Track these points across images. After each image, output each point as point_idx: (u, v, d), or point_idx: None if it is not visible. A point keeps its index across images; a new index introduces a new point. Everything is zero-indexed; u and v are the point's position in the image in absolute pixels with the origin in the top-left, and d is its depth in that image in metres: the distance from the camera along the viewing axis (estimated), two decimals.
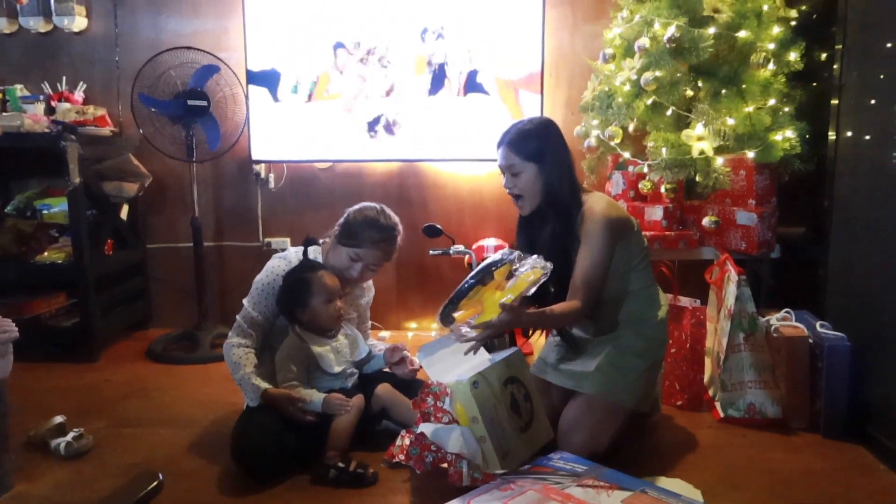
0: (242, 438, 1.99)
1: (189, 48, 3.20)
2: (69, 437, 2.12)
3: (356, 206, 2.27)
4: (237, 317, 2.21)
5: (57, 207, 3.30)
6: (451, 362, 1.99)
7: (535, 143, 2.03)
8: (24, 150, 3.22)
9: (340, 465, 1.91)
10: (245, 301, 2.21)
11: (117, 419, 2.43)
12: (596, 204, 2.01)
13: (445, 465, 1.78)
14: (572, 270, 1.99)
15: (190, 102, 3.11)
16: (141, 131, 3.20)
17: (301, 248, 2.27)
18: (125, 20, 3.50)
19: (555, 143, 2.06)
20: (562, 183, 2.03)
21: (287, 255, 2.27)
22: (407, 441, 1.85)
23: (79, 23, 3.45)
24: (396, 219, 2.27)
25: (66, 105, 3.33)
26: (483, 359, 1.99)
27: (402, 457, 1.84)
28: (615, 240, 2.00)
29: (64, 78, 3.49)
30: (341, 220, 2.26)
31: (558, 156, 2.04)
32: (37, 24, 3.45)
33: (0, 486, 1.89)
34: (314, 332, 2.13)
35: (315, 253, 2.28)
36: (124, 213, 3.47)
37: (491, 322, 1.79)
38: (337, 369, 2.12)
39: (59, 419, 2.20)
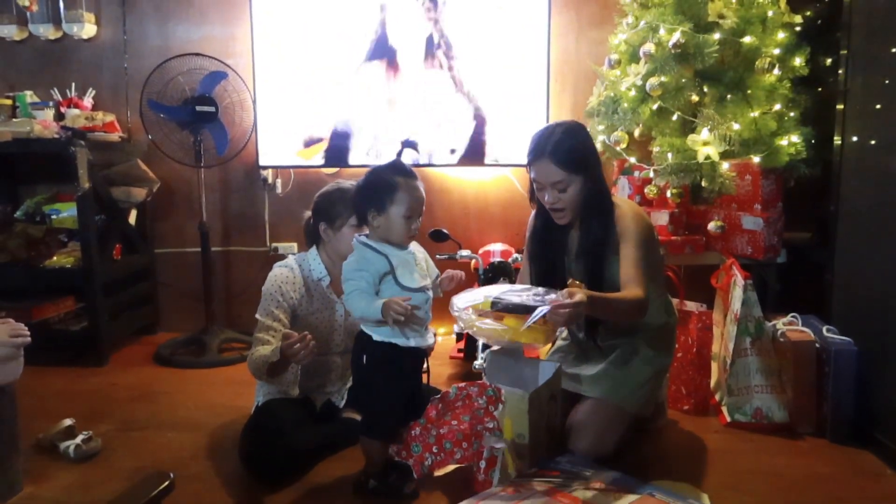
0: (251, 440, 2.01)
1: (197, 55, 3.23)
2: (78, 439, 2.14)
3: (316, 197, 2.23)
4: (255, 334, 2.12)
5: (66, 212, 3.33)
6: (509, 368, 2.02)
7: (580, 154, 1.94)
8: (33, 155, 3.27)
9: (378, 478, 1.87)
10: (258, 315, 2.14)
11: (125, 422, 2.44)
12: (627, 207, 2.02)
13: (475, 469, 1.79)
14: (605, 277, 1.98)
15: (198, 108, 3.14)
16: (149, 137, 3.23)
17: (302, 254, 2.25)
18: (134, 27, 3.53)
19: (591, 146, 2.01)
20: (601, 185, 1.99)
21: (288, 262, 2.23)
22: (413, 433, 1.84)
23: (88, 30, 3.48)
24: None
25: (76, 111, 3.36)
26: (533, 370, 2.01)
27: (403, 452, 1.84)
28: (648, 239, 2.00)
29: (73, 84, 3.52)
30: (310, 219, 2.24)
31: (596, 159, 2.00)
32: (46, 31, 3.49)
33: (10, 488, 1.91)
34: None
35: (314, 258, 2.23)
36: (132, 218, 3.49)
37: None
38: (419, 282, 1.83)
39: (68, 422, 2.22)
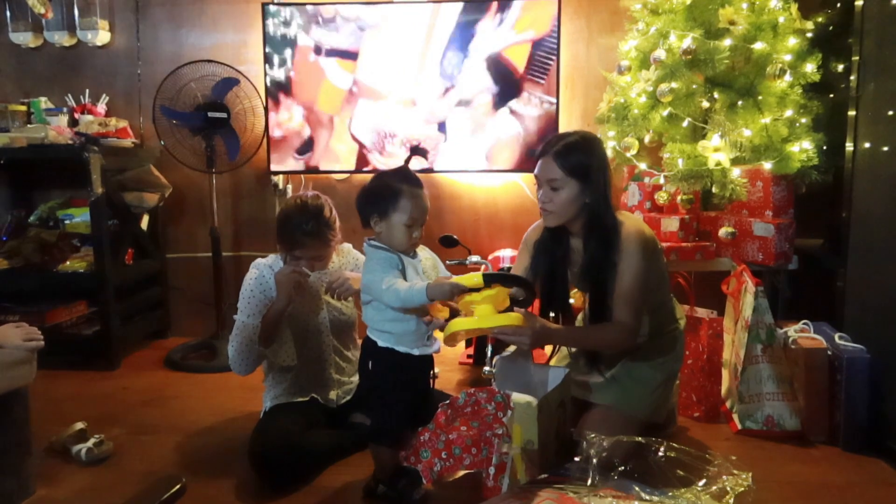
0: (260, 443, 2.01)
1: (209, 61, 3.25)
2: (90, 443, 2.15)
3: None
4: (233, 334, 2.16)
5: (79, 217, 3.36)
6: (518, 374, 2.01)
7: (582, 159, 1.92)
8: (47, 161, 3.31)
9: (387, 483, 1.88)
10: (236, 317, 2.18)
11: (136, 426, 2.46)
12: (631, 224, 1.98)
13: (484, 475, 1.77)
14: (607, 294, 1.96)
15: (210, 114, 3.16)
16: (162, 143, 3.26)
17: (277, 256, 2.24)
18: (147, 34, 3.57)
19: (600, 160, 1.97)
20: (604, 205, 1.95)
21: (258, 264, 2.23)
22: (422, 438, 1.84)
23: (102, 37, 3.52)
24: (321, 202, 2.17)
25: (89, 117, 3.39)
26: (542, 376, 2.01)
27: (412, 458, 1.83)
28: (650, 259, 1.97)
29: (87, 90, 3.56)
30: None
31: (602, 175, 1.95)
32: (61, 38, 3.52)
33: (22, 490, 1.92)
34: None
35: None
36: (144, 223, 3.52)
37: (518, 339, 1.79)
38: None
39: (79, 425, 2.24)
